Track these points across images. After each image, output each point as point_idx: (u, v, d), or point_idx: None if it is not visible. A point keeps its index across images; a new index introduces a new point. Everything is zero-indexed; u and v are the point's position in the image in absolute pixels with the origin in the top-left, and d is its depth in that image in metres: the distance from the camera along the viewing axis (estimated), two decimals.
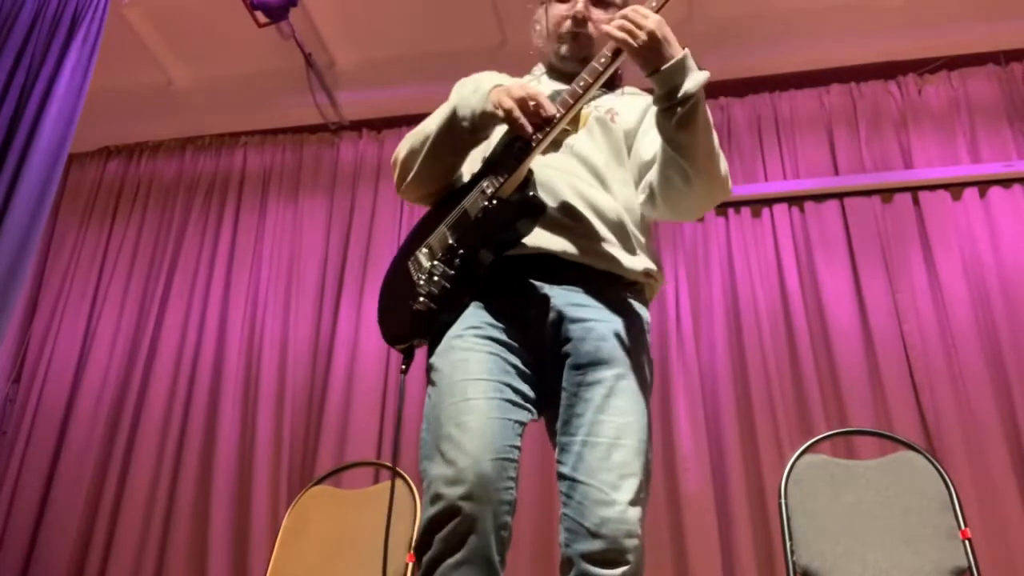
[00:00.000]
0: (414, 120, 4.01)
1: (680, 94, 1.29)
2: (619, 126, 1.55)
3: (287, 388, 3.26)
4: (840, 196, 3.17)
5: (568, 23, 1.58)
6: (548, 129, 1.35)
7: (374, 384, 3.18)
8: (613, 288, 1.41)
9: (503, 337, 1.35)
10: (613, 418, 1.28)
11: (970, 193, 3.07)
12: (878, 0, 3.29)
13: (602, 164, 1.49)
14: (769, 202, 3.22)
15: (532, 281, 1.39)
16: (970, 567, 1.94)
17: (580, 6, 1.56)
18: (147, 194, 3.85)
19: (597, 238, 1.41)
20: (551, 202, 1.40)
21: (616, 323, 1.37)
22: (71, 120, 2.57)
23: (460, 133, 1.44)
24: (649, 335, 1.45)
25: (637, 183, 1.53)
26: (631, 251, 1.44)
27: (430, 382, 1.35)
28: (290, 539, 2.40)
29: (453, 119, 1.45)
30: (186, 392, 3.31)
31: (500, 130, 1.44)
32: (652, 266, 1.47)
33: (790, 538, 2.08)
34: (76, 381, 3.43)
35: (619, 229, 1.44)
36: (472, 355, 1.31)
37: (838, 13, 3.32)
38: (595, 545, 1.19)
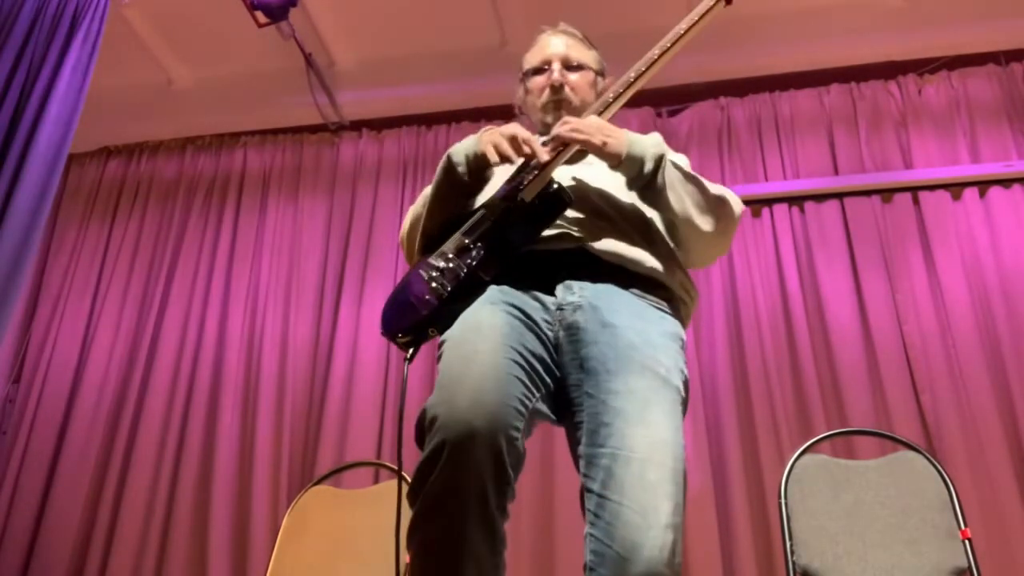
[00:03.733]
0: (414, 120, 4.03)
1: (645, 174, 1.38)
2: None
3: (287, 388, 3.25)
4: (840, 196, 3.16)
5: (547, 92, 1.63)
6: (562, 149, 1.39)
7: (374, 384, 3.18)
8: (647, 295, 1.37)
9: (522, 316, 1.29)
10: (646, 431, 1.17)
11: (970, 193, 3.07)
12: (878, 0, 3.29)
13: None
14: (769, 202, 3.22)
15: (563, 275, 1.36)
16: (970, 567, 1.94)
17: (556, 75, 1.62)
18: (147, 194, 3.85)
19: (629, 236, 1.40)
20: (579, 204, 1.40)
21: (650, 331, 1.30)
22: (71, 120, 2.57)
23: (458, 180, 1.48)
24: (684, 351, 1.37)
25: None
26: (661, 255, 1.42)
27: (439, 357, 1.27)
28: (290, 539, 2.40)
29: (449, 167, 1.49)
30: (186, 392, 3.31)
31: (502, 172, 1.48)
32: (687, 279, 1.46)
33: (790, 538, 2.08)
34: (76, 381, 3.43)
35: (648, 232, 1.43)
36: (486, 319, 1.26)
37: (838, 13, 3.32)
38: (627, 572, 1.07)
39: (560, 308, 1.33)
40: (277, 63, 3.60)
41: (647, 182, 1.40)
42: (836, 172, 3.22)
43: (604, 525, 1.11)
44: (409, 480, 1.16)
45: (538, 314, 1.32)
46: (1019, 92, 3.22)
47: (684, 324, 1.44)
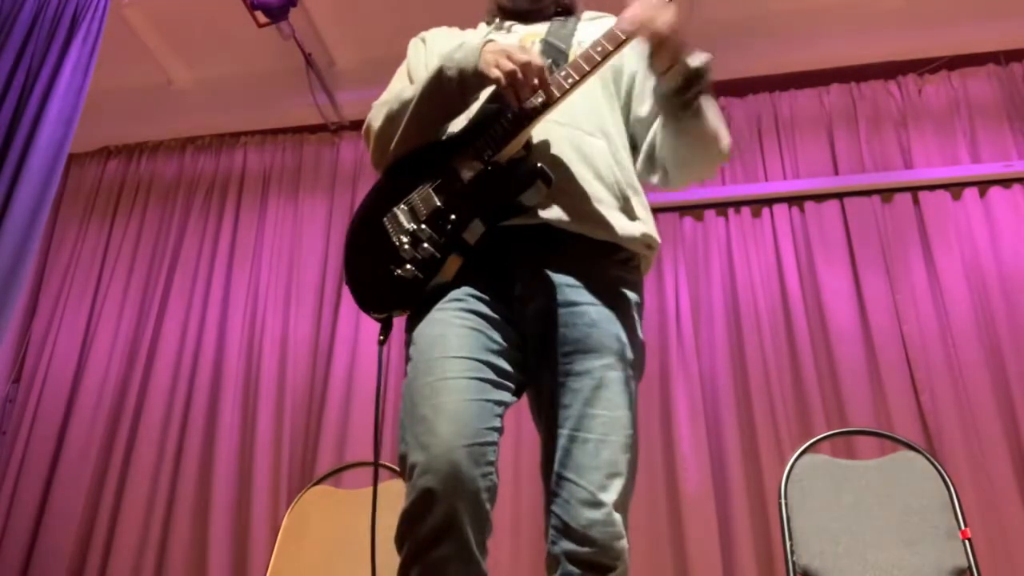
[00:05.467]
0: None
1: (700, 85, 1.27)
2: (608, 73, 1.48)
3: (287, 388, 3.26)
4: (840, 196, 3.17)
5: None
6: (557, 99, 1.26)
7: (374, 384, 3.18)
8: (607, 264, 1.34)
9: (487, 311, 1.27)
10: (602, 412, 1.23)
11: (970, 193, 3.07)
12: (878, 0, 3.29)
13: (600, 111, 1.42)
14: (769, 202, 3.22)
15: (521, 255, 1.32)
16: (970, 567, 1.94)
17: None
18: (147, 194, 3.85)
19: (595, 200, 1.32)
20: (547, 160, 1.29)
21: (607, 307, 1.29)
22: (71, 120, 2.57)
23: (449, 96, 1.33)
24: (641, 316, 1.38)
25: (631, 138, 1.47)
26: (630, 214, 1.37)
27: (407, 357, 1.28)
28: (290, 539, 2.40)
29: (440, 80, 1.33)
30: (186, 392, 3.32)
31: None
32: (650, 231, 1.40)
33: (790, 538, 2.08)
34: (76, 381, 3.43)
35: (617, 189, 1.36)
36: (452, 330, 1.23)
37: (838, 13, 3.32)
38: (583, 548, 1.16)
39: (523, 295, 1.31)
40: (277, 63, 3.60)
41: (684, 102, 1.28)
42: (836, 172, 3.22)
43: (562, 502, 1.20)
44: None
45: (502, 302, 1.30)
46: (1019, 92, 3.22)
47: (644, 273, 1.45)
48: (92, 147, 3.99)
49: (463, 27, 1.70)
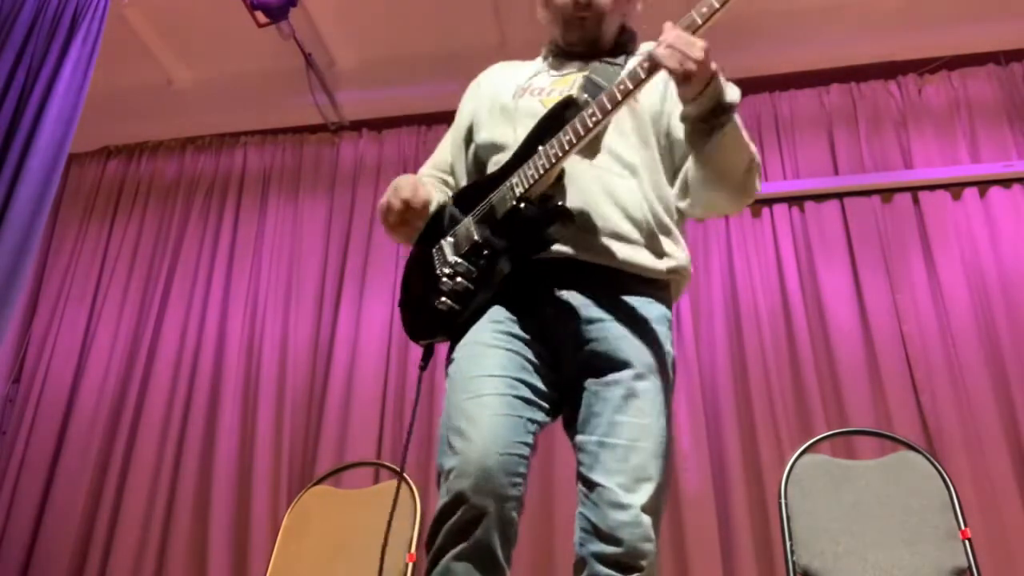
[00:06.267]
0: (414, 120, 4.01)
1: (723, 112, 1.28)
2: (644, 109, 1.47)
3: (287, 388, 3.26)
4: (840, 196, 3.17)
5: (571, 7, 1.50)
6: (582, 139, 1.28)
7: (374, 384, 3.18)
8: (634, 284, 1.37)
9: (523, 333, 1.33)
10: (631, 419, 1.26)
11: (970, 193, 3.07)
12: (878, 0, 3.29)
13: (631, 150, 1.43)
14: (769, 202, 3.22)
15: (552, 281, 1.36)
16: (970, 567, 1.94)
17: None
18: (147, 194, 3.85)
19: (622, 239, 1.36)
20: (577, 200, 1.34)
21: (636, 321, 1.34)
22: (71, 120, 2.57)
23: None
24: (670, 329, 1.40)
25: (669, 167, 1.47)
26: (658, 251, 1.39)
27: (447, 375, 1.36)
28: (290, 539, 2.41)
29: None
30: (186, 392, 3.32)
31: (524, 124, 1.39)
32: (678, 263, 1.42)
33: (790, 538, 2.08)
34: (76, 381, 3.43)
35: (646, 227, 1.38)
36: (490, 350, 1.30)
37: (838, 13, 3.32)
38: (609, 548, 1.19)
39: (555, 314, 1.35)
40: (277, 63, 3.60)
41: (706, 130, 1.28)
42: (836, 172, 3.22)
43: (592, 505, 1.24)
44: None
45: (536, 323, 1.35)
46: (1019, 92, 3.22)
47: (676, 298, 1.47)
48: (92, 147, 3.99)
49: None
